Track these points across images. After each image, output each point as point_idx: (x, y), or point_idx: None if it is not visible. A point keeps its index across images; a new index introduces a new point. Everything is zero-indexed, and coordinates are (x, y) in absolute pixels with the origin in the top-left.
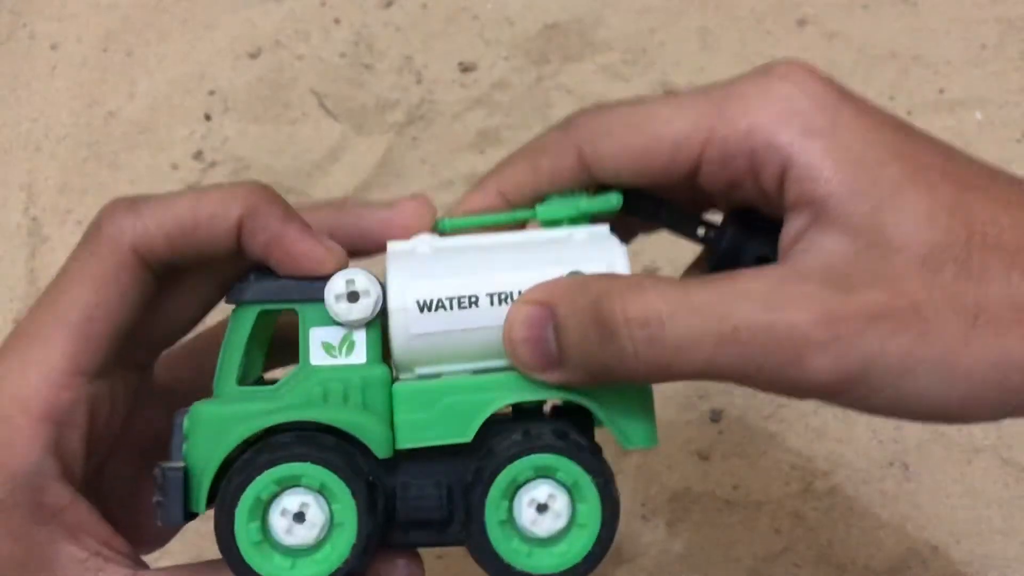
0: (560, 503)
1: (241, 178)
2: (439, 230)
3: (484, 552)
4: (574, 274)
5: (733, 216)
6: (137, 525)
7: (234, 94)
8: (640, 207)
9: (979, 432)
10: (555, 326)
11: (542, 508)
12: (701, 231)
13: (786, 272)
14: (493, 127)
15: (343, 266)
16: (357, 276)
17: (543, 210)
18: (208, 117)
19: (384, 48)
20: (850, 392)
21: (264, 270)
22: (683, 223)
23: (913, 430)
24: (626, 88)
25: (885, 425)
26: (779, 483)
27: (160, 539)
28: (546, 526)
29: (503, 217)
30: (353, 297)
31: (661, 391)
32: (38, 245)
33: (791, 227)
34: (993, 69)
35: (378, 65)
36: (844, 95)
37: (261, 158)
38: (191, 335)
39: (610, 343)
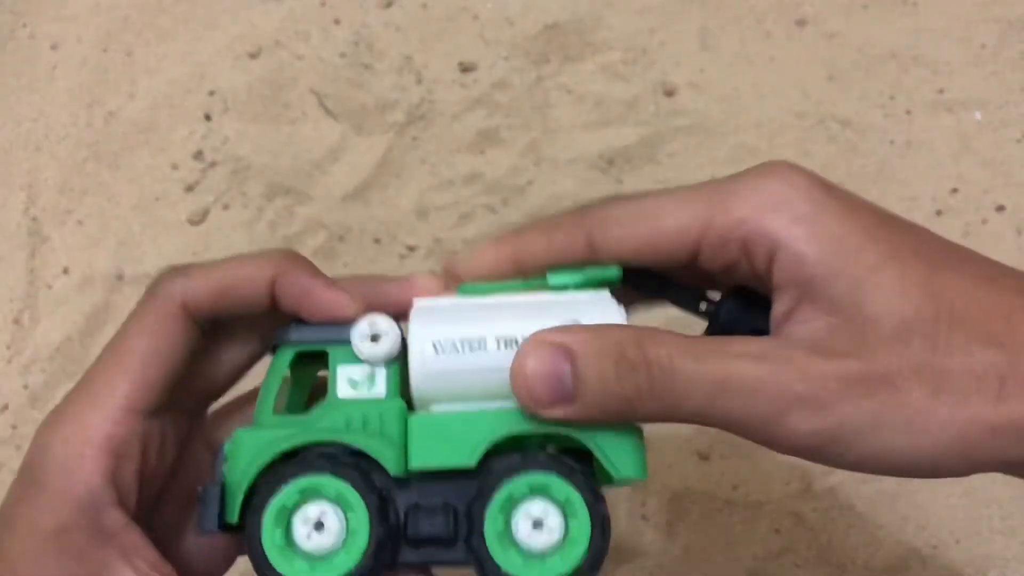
0: (553, 519)
1: (241, 177)
2: (459, 292)
3: (485, 562)
4: (575, 323)
5: (730, 293)
6: (184, 567)
7: (234, 94)
8: (645, 283)
9: None
10: (574, 363)
11: (537, 524)
12: (703, 306)
13: (777, 341)
14: (493, 127)
15: (365, 312)
16: (379, 319)
17: (552, 277)
18: (208, 117)
19: (384, 48)
20: (827, 449)
21: (301, 321)
22: (685, 298)
23: None
24: (626, 88)
25: None
26: (779, 483)
27: None
28: (541, 540)
29: (518, 284)
30: (376, 338)
31: None
32: (38, 245)
33: (780, 305)
34: (993, 69)
35: (378, 65)
36: (828, 187)
37: (261, 158)
38: (240, 393)
39: (628, 381)
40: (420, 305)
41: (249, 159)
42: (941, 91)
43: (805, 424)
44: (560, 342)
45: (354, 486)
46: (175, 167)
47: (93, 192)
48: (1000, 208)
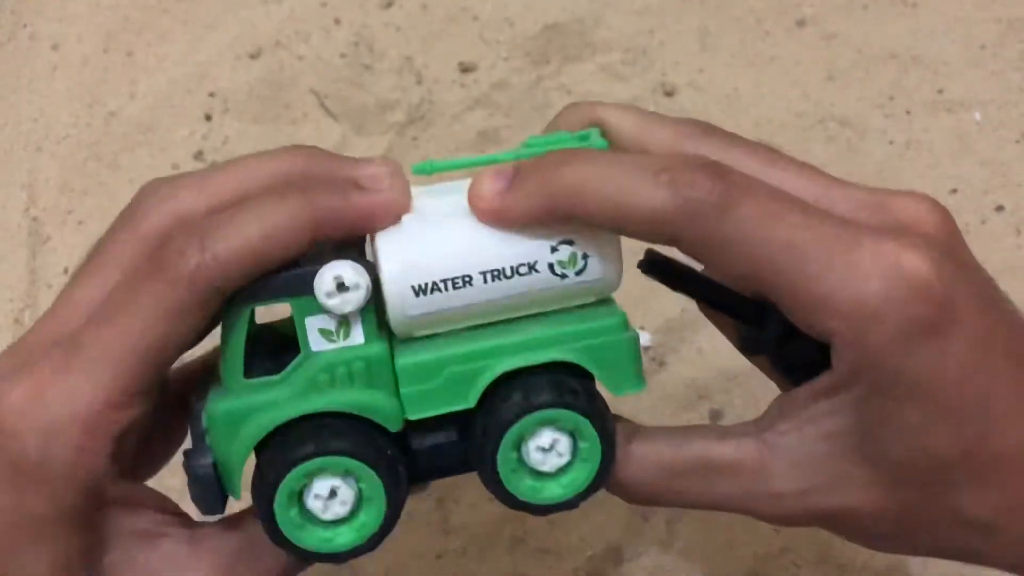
0: (563, 444)
1: None
2: (425, 171)
3: (502, 494)
4: (565, 242)
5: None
6: (150, 457)
7: (234, 94)
8: (668, 276)
9: None
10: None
11: (548, 450)
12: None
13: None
14: (493, 127)
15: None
16: (344, 270)
17: (527, 145)
18: (208, 117)
19: (384, 48)
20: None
21: None
22: (727, 303)
23: None
24: (626, 88)
25: None
26: None
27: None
28: (552, 463)
29: (486, 158)
30: (343, 289)
31: (660, 390)
32: (39, 245)
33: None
34: (992, 69)
35: (378, 65)
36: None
37: None
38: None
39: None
40: (386, 234)
41: None
42: (941, 91)
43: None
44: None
45: (360, 459)
46: (176, 167)
47: (94, 192)
48: (999, 208)
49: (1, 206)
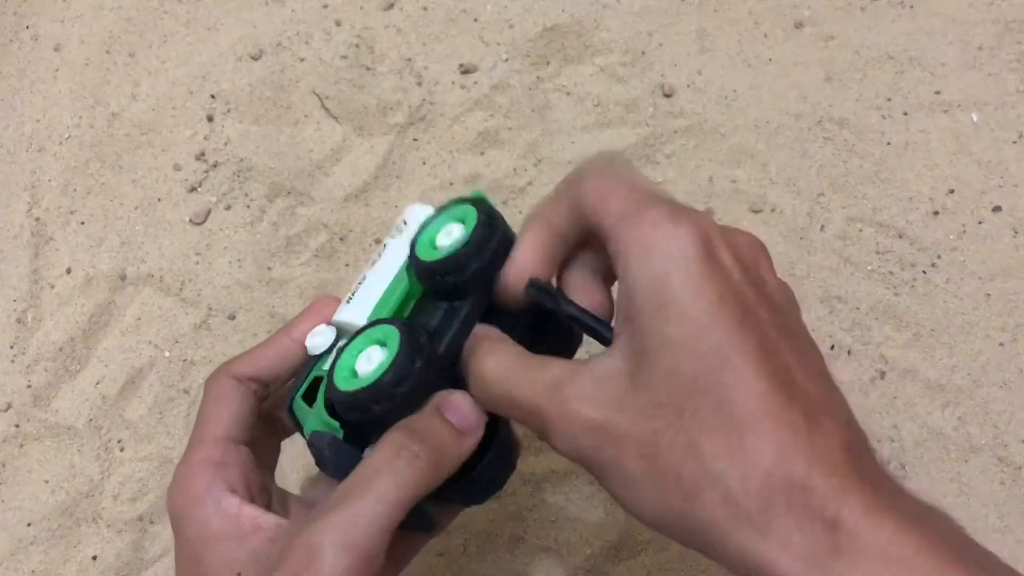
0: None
1: (243, 178)
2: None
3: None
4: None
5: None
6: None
7: (236, 95)
8: (544, 299)
9: (976, 432)
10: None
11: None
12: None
13: (571, 369)
14: (493, 128)
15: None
16: (315, 334)
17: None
18: (210, 118)
19: (385, 50)
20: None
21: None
22: (569, 319)
23: (910, 429)
24: (625, 89)
25: (883, 425)
26: None
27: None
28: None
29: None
30: (321, 335)
31: None
32: (41, 245)
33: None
34: (989, 71)
35: (379, 67)
36: (709, 259)
37: (263, 159)
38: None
39: (472, 381)
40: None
41: (251, 160)
42: (938, 92)
43: (559, 446)
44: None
45: (395, 329)
46: (178, 168)
47: (96, 193)
48: (996, 208)
49: (4, 206)
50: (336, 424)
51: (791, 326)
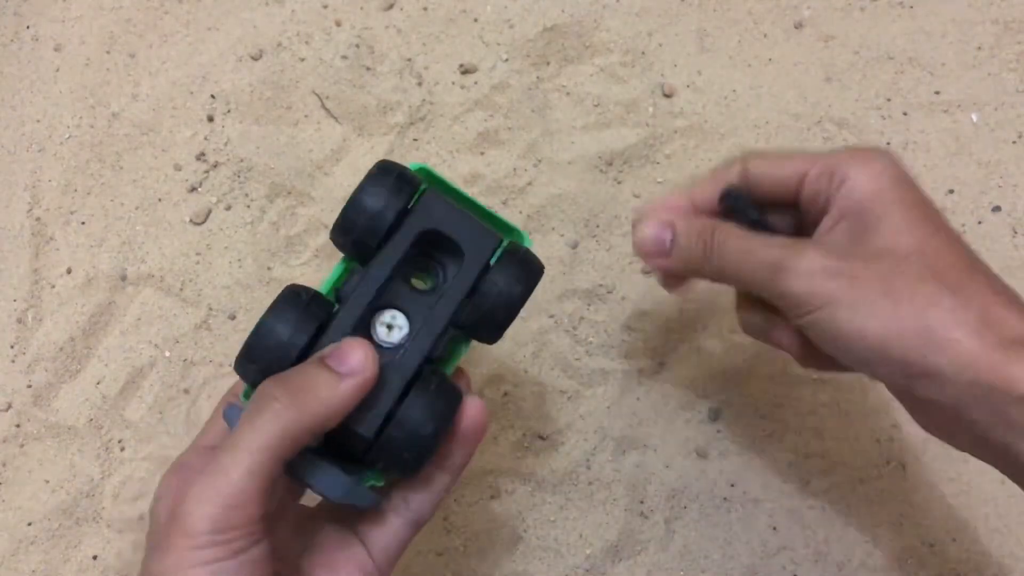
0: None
1: (243, 178)
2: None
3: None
4: None
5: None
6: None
7: (236, 96)
8: (738, 209)
9: None
10: (674, 234)
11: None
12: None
13: (798, 240)
14: (493, 129)
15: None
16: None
17: None
18: (211, 118)
19: (385, 50)
20: (811, 313)
21: None
22: (754, 221)
23: (911, 429)
24: (625, 90)
25: (883, 424)
26: (777, 481)
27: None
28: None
29: None
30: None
31: (660, 390)
32: (42, 245)
33: (828, 221)
34: (989, 71)
35: (379, 67)
36: (905, 181)
37: (263, 159)
38: None
39: (699, 249)
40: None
41: (251, 160)
42: (937, 92)
43: (793, 286)
44: (667, 220)
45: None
46: (178, 168)
47: (96, 193)
48: (996, 208)
49: (4, 206)
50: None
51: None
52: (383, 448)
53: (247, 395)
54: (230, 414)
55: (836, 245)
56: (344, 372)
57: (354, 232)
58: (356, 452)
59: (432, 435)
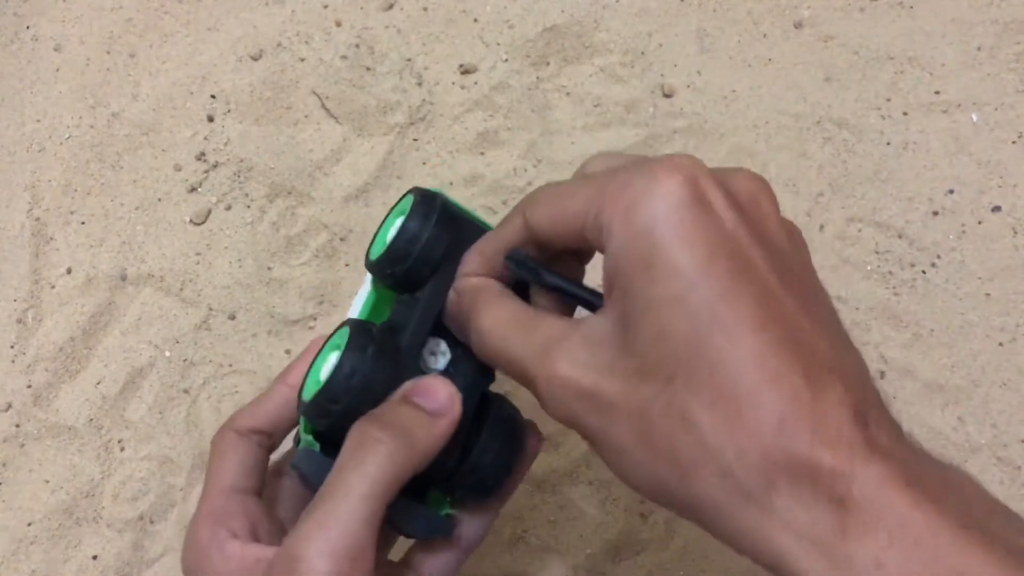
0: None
1: (243, 178)
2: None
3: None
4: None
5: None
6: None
7: (236, 96)
8: (522, 269)
9: (975, 432)
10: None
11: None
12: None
13: (563, 328)
14: (493, 129)
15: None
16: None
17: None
18: (211, 118)
19: (385, 50)
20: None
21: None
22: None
23: (910, 429)
24: (624, 90)
25: None
26: None
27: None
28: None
29: None
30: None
31: None
32: (42, 245)
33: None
34: (988, 71)
35: (379, 67)
36: (700, 205)
37: (263, 159)
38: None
39: (465, 331)
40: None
41: (251, 160)
42: (937, 92)
43: (547, 405)
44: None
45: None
46: (178, 168)
47: (96, 193)
48: (996, 208)
49: (4, 206)
50: (311, 439)
51: (796, 271)
52: (466, 475)
53: (310, 437)
54: (307, 460)
55: (600, 338)
56: (433, 411)
57: (407, 262)
58: (434, 482)
59: (513, 460)
